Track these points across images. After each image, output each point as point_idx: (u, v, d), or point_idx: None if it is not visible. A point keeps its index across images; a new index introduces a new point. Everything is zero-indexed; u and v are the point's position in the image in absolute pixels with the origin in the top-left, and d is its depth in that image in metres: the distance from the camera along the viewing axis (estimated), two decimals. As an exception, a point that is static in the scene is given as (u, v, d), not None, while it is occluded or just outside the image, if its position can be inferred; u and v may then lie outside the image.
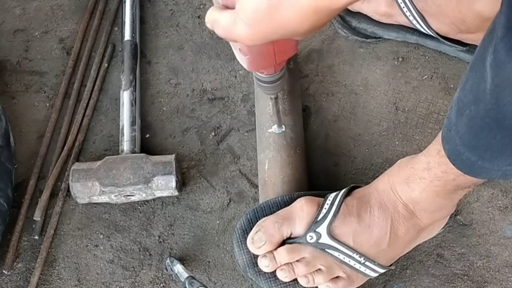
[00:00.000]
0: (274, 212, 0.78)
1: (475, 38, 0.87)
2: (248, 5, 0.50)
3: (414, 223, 0.76)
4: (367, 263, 0.75)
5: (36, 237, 0.86)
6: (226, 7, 0.55)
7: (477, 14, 0.82)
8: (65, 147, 0.90)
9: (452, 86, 0.92)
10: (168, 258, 0.82)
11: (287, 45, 0.61)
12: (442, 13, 0.85)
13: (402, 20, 0.89)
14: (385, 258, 0.76)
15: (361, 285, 0.78)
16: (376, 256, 0.75)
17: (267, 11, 0.49)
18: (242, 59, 0.61)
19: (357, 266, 0.75)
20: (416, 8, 0.86)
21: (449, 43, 0.89)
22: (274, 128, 0.84)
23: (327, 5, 0.48)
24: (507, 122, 0.52)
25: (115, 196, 0.84)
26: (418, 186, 0.72)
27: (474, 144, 0.59)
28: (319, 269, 0.75)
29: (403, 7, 0.87)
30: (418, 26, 0.88)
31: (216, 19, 0.55)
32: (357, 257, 0.74)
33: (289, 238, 0.76)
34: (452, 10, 0.84)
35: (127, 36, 0.95)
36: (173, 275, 0.81)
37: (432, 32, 0.88)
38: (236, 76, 0.95)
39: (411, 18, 0.87)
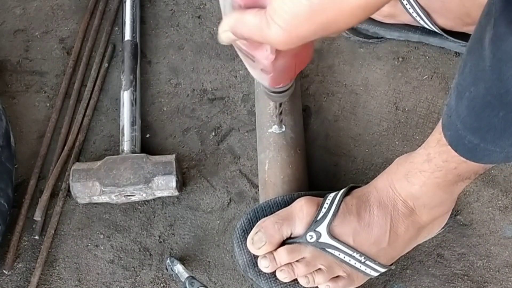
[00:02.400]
0: (274, 212, 0.78)
1: None
2: (286, 9, 0.45)
3: (414, 220, 0.76)
4: (367, 262, 0.75)
5: (37, 237, 0.87)
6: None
7: (482, 6, 0.82)
8: (66, 147, 0.90)
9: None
10: (168, 258, 0.82)
11: (306, 55, 0.58)
12: (447, 8, 0.85)
13: (405, 19, 0.89)
14: (385, 257, 0.76)
15: (361, 285, 0.78)
16: (377, 255, 0.75)
17: (308, 16, 0.45)
18: (264, 78, 0.58)
19: (358, 265, 0.75)
20: (420, 5, 0.85)
21: (453, 39, 0.88)
22: (274, 128, 0.84)
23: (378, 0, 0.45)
24: (510, 97, 0.51)
25: (115, 196, 0.84)
26: (419, 180, 0.72)
27: (476, 126, 0.58)
28: (319, 268, 0.75)
29: (406, 4, 0.86)
30: (423, 23, 0.88)
31: (240, 19, 0.50)
32: (357, 256, 0.74)
33: (289, 238, 0.76)
34: (456, 5, 0.84)
35: (128, 36, 0.95)
36: (174, 275, 0.81)
37: (436, 28, 0.87)
38: (236, 76, 0.95)
39: (414, 15, 0.87)
